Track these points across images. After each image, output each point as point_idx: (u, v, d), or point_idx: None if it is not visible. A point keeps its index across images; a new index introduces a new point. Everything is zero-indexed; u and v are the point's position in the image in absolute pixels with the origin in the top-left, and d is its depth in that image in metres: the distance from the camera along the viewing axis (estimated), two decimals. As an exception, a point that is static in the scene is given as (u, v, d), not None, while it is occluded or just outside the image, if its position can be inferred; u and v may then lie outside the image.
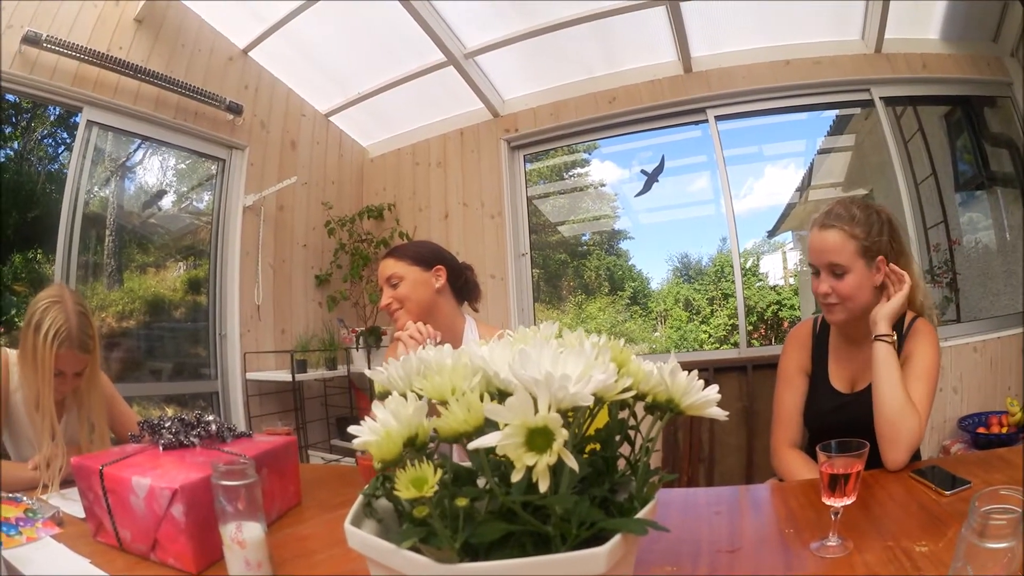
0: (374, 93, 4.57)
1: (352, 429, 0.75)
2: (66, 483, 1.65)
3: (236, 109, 4.00)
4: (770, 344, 4.97)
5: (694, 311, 5.54)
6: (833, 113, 4.55)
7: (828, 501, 1.10)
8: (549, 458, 0.60)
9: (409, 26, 3.74)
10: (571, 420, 0.68)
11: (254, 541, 1.09)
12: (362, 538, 0.71)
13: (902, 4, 3.63)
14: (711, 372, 3.80)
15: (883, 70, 3.90)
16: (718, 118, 4.19)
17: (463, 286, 2.04)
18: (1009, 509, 0.75)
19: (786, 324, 5.14)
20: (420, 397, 0.75)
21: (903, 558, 1.00)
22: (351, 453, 4.11)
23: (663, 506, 1.30)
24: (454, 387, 0.72)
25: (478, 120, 4.68)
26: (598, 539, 0.65)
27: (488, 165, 4.63)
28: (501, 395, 0.72)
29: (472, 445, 0.65)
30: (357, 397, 4.51)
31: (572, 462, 0.62)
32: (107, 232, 3.75)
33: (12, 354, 1.85)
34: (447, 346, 0.83)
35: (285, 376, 3.94)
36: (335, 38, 4.11)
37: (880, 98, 3.95)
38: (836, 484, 1.08)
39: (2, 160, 3.48)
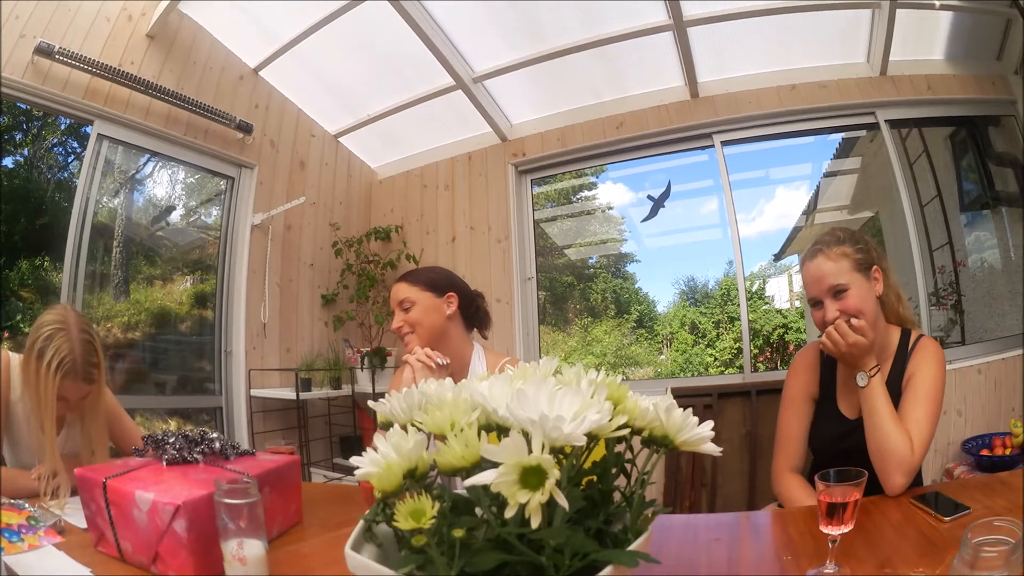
0: (383, 115, 4.59)
1: (355, 460, 0.77)
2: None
3: (246, 128, 4.02)
4: (776, 368, 4.94)
5: (700, 334, 5.53)
6: (839, 136, 4.54)
7: (826, 529, 1.10)
8: (541, 496, 0.62)
9: (418, 49, 3.78)
10: (568, 453, 0.69)
11: (255, 558, 1.11)
12: (361, 563, 0.73)
13: (906, 24, 3.63)
14: (715, 398, 3.80)
15: (888, 92, 3.89)
16: (724, 143, 4.19)
17: (474, 314, 2.06)
18: (1002, 540, 0.76)
19: (792, 347, 5.13)
20: (420, 430, 0.77)
21: (898, 586, 1.00)
22: (352, 472, 4.10)
23: (663, 532, 1.30)
24: (453, 422, 0.74)
25: (486, 144, 4.70)
26: (592, 568, 0.66)
27: (495, 189, 4.64)
28: (499, 428, 0.74)
29: (468, 482, 0.66)
30: (360, 417, 4.51)
31: (563, 501, 0.63)
32: (115, 243, 3.76)
33: (15, 358, 1.81)
34: (448, 380, 0.85)
35: (289, 394, 3.93)
36: (345, 60, 4.14)
37: (885, 121, 3.94)
38: (834, 512, 1.09)
39: (10, 166, 3.50)
